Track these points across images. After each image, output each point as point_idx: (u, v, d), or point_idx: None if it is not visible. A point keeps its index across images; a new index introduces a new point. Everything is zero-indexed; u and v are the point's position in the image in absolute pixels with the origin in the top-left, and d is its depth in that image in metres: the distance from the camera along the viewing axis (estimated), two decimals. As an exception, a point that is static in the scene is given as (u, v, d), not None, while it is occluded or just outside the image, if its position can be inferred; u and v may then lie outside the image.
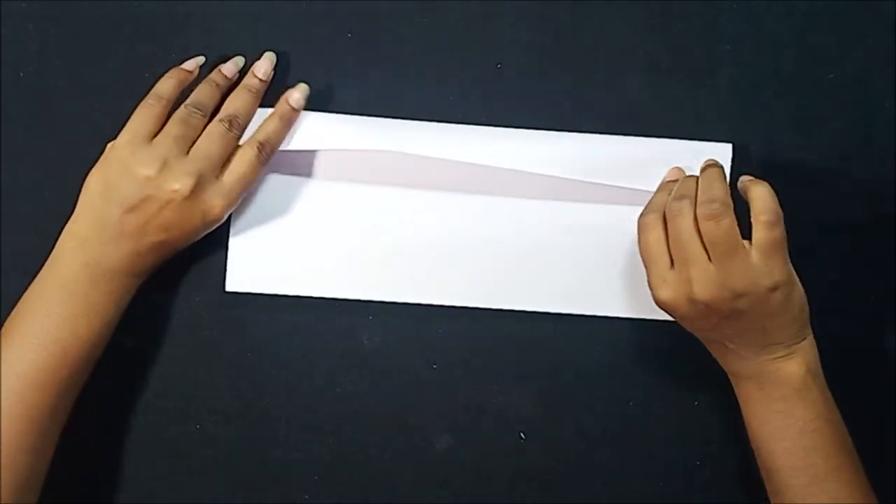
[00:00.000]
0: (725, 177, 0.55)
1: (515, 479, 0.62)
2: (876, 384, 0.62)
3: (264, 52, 0.60)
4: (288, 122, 0.59)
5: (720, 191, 0.53)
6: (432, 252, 0.62)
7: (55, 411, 0.55)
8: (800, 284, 0.54)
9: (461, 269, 0.62)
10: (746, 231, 0.53)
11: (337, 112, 0.60)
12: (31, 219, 0.62)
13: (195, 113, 0.57)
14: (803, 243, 0.61)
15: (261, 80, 0.60)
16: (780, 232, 0.53)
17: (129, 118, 0.57)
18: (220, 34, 0.62)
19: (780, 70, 0.62)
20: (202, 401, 0.62)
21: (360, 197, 0.62)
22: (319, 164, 0.62)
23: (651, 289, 0.56)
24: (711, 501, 0.63)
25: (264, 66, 0.60)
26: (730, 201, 0.53)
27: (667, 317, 0.56)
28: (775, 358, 0.54)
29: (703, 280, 0.53)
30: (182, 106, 0.58)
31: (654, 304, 0.56)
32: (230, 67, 0.60)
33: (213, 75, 0.60)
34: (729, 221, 0.52)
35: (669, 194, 0.56)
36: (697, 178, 0.57)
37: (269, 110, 0.60)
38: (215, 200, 0.56)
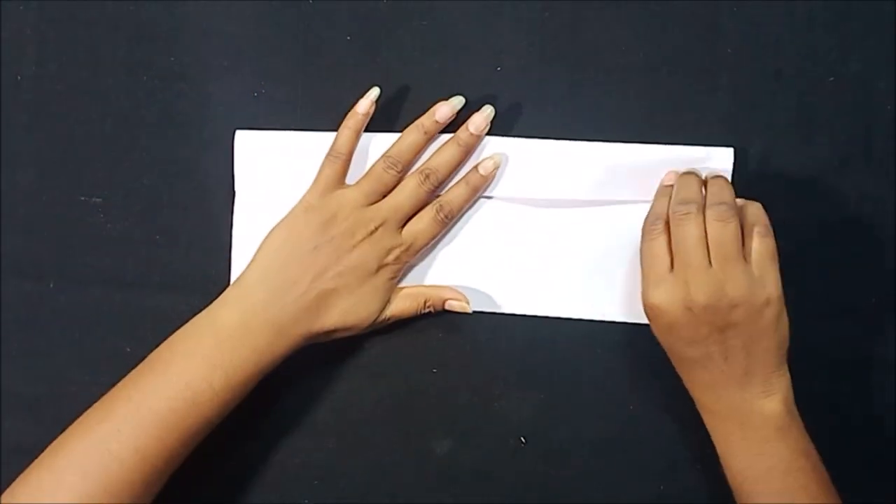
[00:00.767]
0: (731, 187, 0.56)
1: (516, 484, 0.62)
2: (876, 384, 0.62)
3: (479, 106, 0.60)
4: (475, 190, 0.60)
5: (729, 197, 0.55)
6: (431, 257, 0.62)
7: (172, 456, 0.53)
8: (786, 314, 0.54)
9: (461, 274, 0.62)
10: None
11: (337, 116, 0.60)
12: (31, 219, 0.62)
13: (389, 170, 0.58)
14: (803, 245, 0.61)
15: (472, 134, 0.59)
16: (773, 242, 0.54)
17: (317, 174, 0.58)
18: (219, 37, 0.62)
19: (781, 72, 0.62)
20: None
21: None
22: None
23: (644, 290, 0.55)
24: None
25: (478, 122, 0.59)
26: (737, 208, 0.55)
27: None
28: (755, 395, 0.54)
29: (703, 282, 0.53)
30: (381, 157, 0.59)
31: None
32: (445, 112, 0.59)
33: (425, 121, 0.59)
34: (735, 225, 0.54)
35: (670, 198, 0.57)
36: (698, 179, 0.57)
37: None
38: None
